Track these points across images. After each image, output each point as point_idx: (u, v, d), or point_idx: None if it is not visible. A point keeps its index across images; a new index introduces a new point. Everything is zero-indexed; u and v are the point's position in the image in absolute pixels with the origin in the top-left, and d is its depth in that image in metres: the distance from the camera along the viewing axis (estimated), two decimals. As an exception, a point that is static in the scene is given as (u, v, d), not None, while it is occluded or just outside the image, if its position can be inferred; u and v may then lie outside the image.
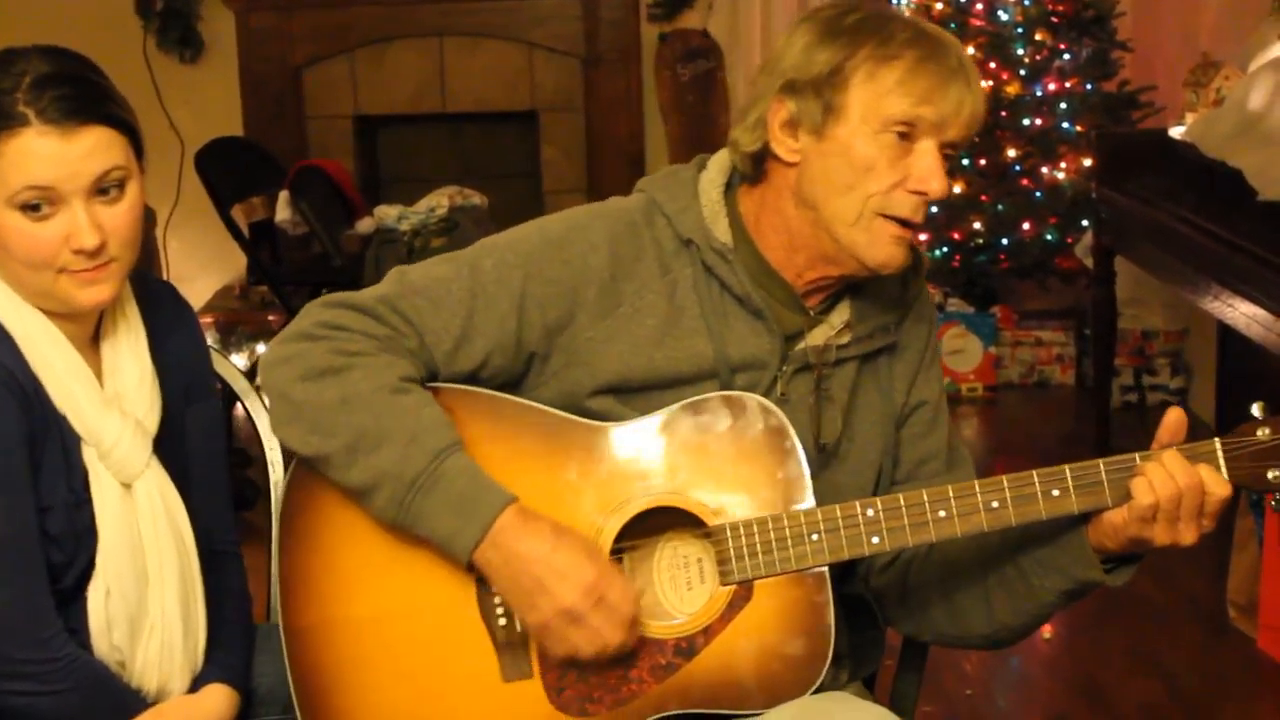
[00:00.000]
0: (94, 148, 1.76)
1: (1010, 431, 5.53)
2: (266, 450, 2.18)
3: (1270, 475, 1.74)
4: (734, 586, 1.78)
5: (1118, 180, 4.67)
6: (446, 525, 1.74)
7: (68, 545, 1.82)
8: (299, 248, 5.75)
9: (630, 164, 6.53)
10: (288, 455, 1.88)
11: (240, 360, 5.78)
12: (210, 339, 5.00)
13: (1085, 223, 5.47)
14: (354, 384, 1.77)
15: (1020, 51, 5.69)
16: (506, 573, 1.74)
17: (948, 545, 1.83)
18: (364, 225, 5.47)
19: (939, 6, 5.72)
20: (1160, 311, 5.65)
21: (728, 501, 1.79)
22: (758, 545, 1.77)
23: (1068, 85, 5.71)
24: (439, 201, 5.53)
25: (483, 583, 1.79)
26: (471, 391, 1.84)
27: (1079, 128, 5.66)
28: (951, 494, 1.76)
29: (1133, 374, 5.60)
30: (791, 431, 1.79)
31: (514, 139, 6.80)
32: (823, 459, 1.86)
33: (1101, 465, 1.74)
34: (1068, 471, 1.74)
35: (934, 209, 1.87)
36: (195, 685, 1.92)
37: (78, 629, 1.83)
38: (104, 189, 1.78)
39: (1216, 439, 1.75)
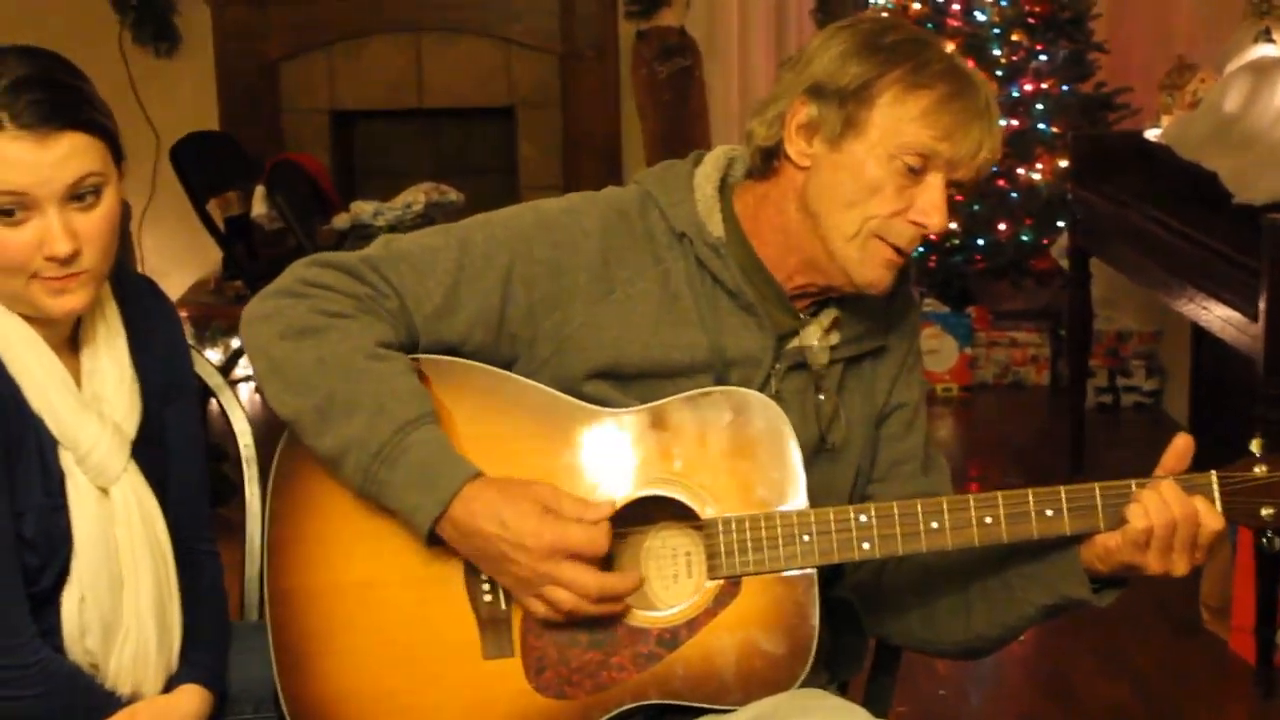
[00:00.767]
0: (70, 154, 1.73)
1: (985, 432, 5.54)
2: (241, 447, 2.17)
3: (1264, 512, 1.75)
4: (721, 581, 1.78)
5: (1094, 182, 4.68)
6: (407, 500, 1.74)
7: (43, 549, 1.80)
8: (274, 243, 5.72)
9: (607, 161, 6.52)
10: (269, 442, 1.88)
11: (215, 355, 5.76)
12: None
13: (1061, 224, 5.49)
14: (332, 345, 1.76)
15: (997, 52, 5.69)
16: (468, 547, 1.74)
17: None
18: (340, 221, 5.44)
19: (916, 6, 5.72)
20: (1135, 313, 5.66)
21: (722, 495, 1.79)
22: (748, 542, 1.77)
23: (1044, 86, 5.71)
24: (415, 197, 5.50)
25: None
26: (476, 367, 1.83)
27: (1055, 129, 5.67)
28: (945, 506, 1.76)
29: (1107, 375, 5.61)
30: (791, 430, 1.79)
31: (491, 135, 6.78)
32: (816, 459, 1.86)
33: (1097, 489, 1.75)
34: (1063, 493, 1.75)
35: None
36: (170, 686, 1.91)
37: (51, 632, 1.82)
38: (79, 195, 1.76)
39: (1213, 472, 1.75)
